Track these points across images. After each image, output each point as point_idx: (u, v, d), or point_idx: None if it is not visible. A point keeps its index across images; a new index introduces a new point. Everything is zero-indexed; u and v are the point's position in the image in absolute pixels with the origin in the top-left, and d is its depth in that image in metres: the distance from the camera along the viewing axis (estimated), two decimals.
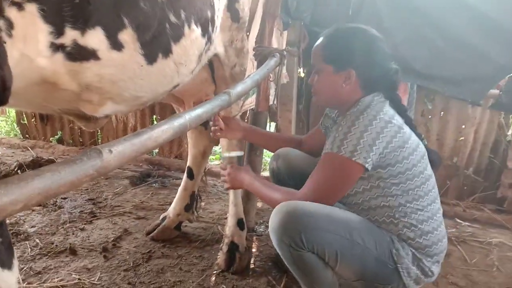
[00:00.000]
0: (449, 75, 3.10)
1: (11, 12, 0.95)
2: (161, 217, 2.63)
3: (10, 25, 0.95)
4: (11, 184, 0.69)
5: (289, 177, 2.02)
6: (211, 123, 2.05)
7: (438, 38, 3.00)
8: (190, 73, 1.74)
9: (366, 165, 1.42)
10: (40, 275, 2.05)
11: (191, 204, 2.63)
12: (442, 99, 3.39)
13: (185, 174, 2.63)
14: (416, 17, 3.00)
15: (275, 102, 2.55)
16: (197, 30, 1.60)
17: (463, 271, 2.37)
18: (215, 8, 1.75)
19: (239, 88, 1.61)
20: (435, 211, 1.55)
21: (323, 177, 1.49)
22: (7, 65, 0.92)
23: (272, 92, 2.63)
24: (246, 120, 3.51)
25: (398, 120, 1.50)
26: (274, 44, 2.72)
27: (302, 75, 3.69)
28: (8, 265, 0.92)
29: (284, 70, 2.58)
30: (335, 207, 1.51)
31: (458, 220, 3.13)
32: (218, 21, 1.85)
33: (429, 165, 1.58)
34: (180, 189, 2.63)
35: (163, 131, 1.05)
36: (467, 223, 3.08)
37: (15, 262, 0.96)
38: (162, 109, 4.22)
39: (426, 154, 1.57)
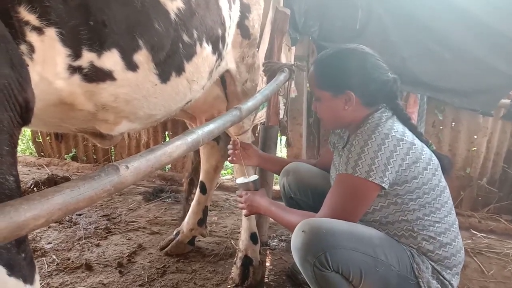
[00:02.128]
0: (457, 87, 3.10)
1: (32, 37, 0.98)
2: (175, 232, 2.66)
3: (31, 49, 0.99)
4: (33, 200, 0.73)
5: (300, 193, 2.02)
6: (229, 146, 2.07)
7: (445, 52, 3.01)
8: (201, 89, 1.78)
9: (383, 185, 1.43)
10: None
11: (204, 218, 2.65)
12: (453, 110, 3.39)
13: (198, 189, 2.66)
14: (423, 32, 3.03)
15: (285, 116, 2.58)
16: (208, 48, 1.63)
17: (480, 283, 2.34)
18: (226, 25, 1.79)
19: (250, 103, 1.64)
20: (451, 222, 1.55)
21: (340, 199, 1.48)
22: (30, 87, 0.95)
23: (281, 106, 2.66)
24: (256, 134, 3.54)
25: (408, 135, 1.50)
26: (283, 60, 2.76)
27: None
28: (30, 281, 0.93)
29: (292, 84, 2.61)
30: (356, 223, 1.49)
31: (474, 231, 3.10)
32: (229, 38, 1.89)
33: (443, 177, 1.57)
34: (193, 203, 2.65)
35: (177, 146, 1.08)
36: (482, 234, 3.04)
37: (37, 277, 0.97)
38: (174, 125, 4.27)
39: (439, 166, 1.57)
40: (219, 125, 1.35)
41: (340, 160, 1.55)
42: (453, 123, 3.44)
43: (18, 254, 0.90)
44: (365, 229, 1.48)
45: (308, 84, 1.67)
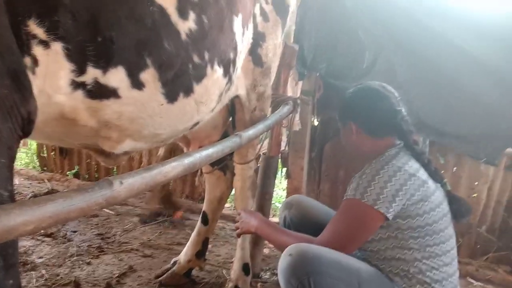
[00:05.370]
0: (464, 132, 3.09)
1: (38, 50, 0.99)
2: (172, 261, 2.57)
3: (35, 62, 0.99)
4: (25, 206, 0.74)
5: (302, 228, 1.90)
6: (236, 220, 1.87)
7: (453, 95, 3.02)
8: (210, 111, 1.76)
9: (388, 215, 1.44)
10: None
11: (203, 250, 2.55)
12: (455, 155, 3.39)
13: (200, 219, 2.57)
14: (430, 73, 3.05)
15: (286, 148, 2.60)
16: (219, 71, 1.62)
17: None
18: (238, 50, 1.79)
19: (251, 131, 1.67)
20: (451, 273, 1.53)
21: (344, 223, 1.50)
22: (33, 99, 0.96)
23: (284, 138, 2.69)
24: (258, 164, 3.55)
25: (422, 174, 1.52)
26: (289, 93, 2.81)
27: (316, 123, 3.76)
28: None
29: (297, 118, 2.65)
30: (348, 255, 1.50)
31: (470, 280, 3.04)
32: (239, 63, 1.89)
33: (451, 225, 1.57)
34: (193, 234, 2.57)
35: (173, 167, 1.10)
36: (480, 283, 2.98)
37: None
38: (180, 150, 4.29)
39: (449, 213, 1.57)
40: (218, 150, 1.38)
41: (350, 186, 1.57)
42: (455, 168, 3.44)
43: (6, 279, 0.88)
44: (354, 261, 1.47)
45: None
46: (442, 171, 3.41)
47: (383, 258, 1.53)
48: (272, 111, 2.36)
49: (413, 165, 1.52)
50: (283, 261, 1.42)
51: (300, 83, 3.43)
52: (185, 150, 2.47)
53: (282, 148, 2.62)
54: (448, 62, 3.03)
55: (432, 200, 1.49)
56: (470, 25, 2.96)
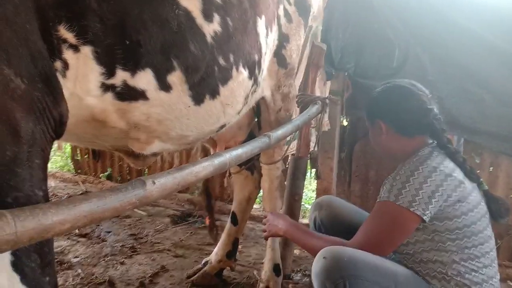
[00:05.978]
0: (495, 130, 3.00)
1: (68, 54, 1.02)
2: (203, 261, 2.61)
3: (65, 66, 1.03)
4: (61, 206, 0.77)
5: (333, 230, 1.91)
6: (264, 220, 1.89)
7: (484, 93, 2.94)
8: (236, 114, 1.77)
9: (424, 217, 1.40)
10: None
11: (233, 251, 2.57)
12: (491, 153, 3.27)
13: (229, 220, 2.59)
14: (460, 72, 2.98)
15: (315, 148, 2.57)
16: (244, 73, 1.64)
17: None
18: (263, 51, 1.80)
19: (280, 131, 1.67)
20: (491, 275, 1.46)
21: (378, 226, 1.46)
22: (64, 102, 1.00)
23: (313, 138, 2.67)
24: (286, 166, 3.54)
25: (458, 174, 1.48)
26: (317, 93, 2.78)
27: (345, 123, 3.71)
28: None
29: (326, 118, 2.62)
30: (384, 258, 1.47)
31: (511, 283, 2.92)
32: (264, 65, 1.90)
33: (489, 226, 1.52)
34: (223, 234, 2.59)
35: (203, 167, 1.11)
36: None
37: None
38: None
39: (488, 213, 1.52)
40: (247, 150, 1.38)
41: (383, 188, 1.53)
42: (491, 168, 3.31)
43: (43, 276, 0.91)
44: (390, 264, 1.44)
45: None
46: (478, 171, 3.31)
47: (419, 260, 1.48)
48: (301, 112, 2.34)
49: (448, 165, 1.48)
50: (317, 264, 1.39)
51: (329, 83, 3.40)
52: (211, 151, 2.49)
53: (311, 148, 2.60)
54: (479, 59, 2.94)
55: (470, 200, 1.44)
56: (504, 20, 2.86)
